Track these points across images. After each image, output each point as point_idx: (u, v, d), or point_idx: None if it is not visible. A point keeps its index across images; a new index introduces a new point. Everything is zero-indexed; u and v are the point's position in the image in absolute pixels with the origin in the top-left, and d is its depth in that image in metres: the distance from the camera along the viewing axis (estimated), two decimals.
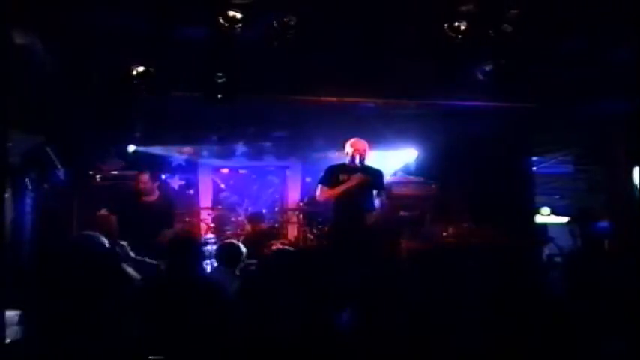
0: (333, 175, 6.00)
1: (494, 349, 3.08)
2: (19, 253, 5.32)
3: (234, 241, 5.90)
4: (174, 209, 7.37)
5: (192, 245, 4.02)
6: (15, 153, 5.22)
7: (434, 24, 5.73)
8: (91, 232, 4.24)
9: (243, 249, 5.42)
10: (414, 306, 3.30)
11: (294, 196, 10.22)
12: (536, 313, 3.28)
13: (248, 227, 8.86)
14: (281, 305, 3.05)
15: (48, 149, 6.00)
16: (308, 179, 9.79)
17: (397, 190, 7.84)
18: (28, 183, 5.64)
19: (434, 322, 3.20)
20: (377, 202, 6.05)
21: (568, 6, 5.47)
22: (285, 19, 5.55)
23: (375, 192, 6.09)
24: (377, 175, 6.07)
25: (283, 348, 2.77)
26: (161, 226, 6.60)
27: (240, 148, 9.70)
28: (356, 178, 5.86)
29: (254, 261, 5.74)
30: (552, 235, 8.07)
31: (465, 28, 5.64)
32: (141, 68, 6.11)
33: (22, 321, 3.64)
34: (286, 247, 5.74)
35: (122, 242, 5.39)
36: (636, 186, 8.02)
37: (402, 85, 7.10)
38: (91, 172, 7.83)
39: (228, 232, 9.02)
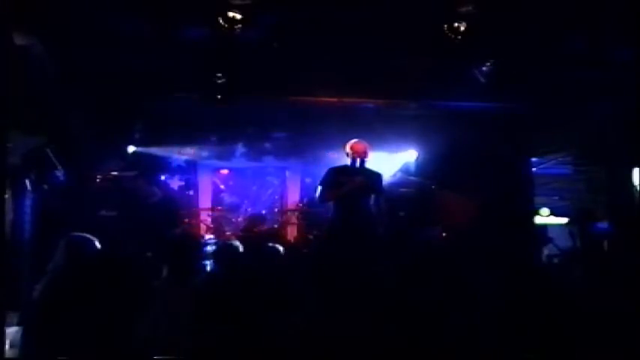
0: (334, 177, 5.99)
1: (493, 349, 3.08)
2: (19, 253, 5.32)
3: (233, 242, 5.87)
4: (177, 209, 7.38)
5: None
6: (15, 153, 5.21)
7: (434, 24, 5.74)
8: (83, 234, 4.20)
9: (242, 250, 5.40)
10: (413, 306, 3.30)
11: (293, 197, 10.21)
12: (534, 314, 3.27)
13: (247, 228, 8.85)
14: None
15: (48, 150, 6.00)
16: (308, 180, 9.79)
17: (397, 191, 7.87)
18: (28, 183, 5.63)
19: (432, 322, 3.20)
20: (375, 205, 6.04)
21: (568, 6, 5.47)
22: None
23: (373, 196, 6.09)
24: (376, 178, 6.06)
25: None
26: (165, 226, 6.61)
27: (240, 148, 9.70)
28: (356, 181, 5.85)
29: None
30: (552, 235, 8.09)
31: (465, 29, 5.64)
32: None
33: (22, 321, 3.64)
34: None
35: None
36: (636, 186, 8.03)
37: (402, 85, 7.11)
38: (90, 173, 7.83)
39: (227, 233, 9.01)
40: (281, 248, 5.30)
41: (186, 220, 8.84)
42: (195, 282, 3.86)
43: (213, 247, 6.88)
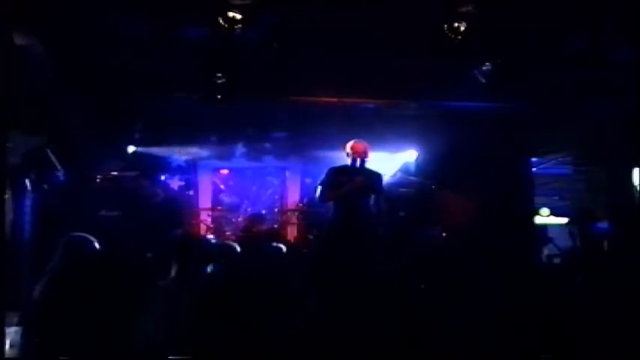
0: (334, 177, 6.00)
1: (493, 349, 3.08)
2: (19, 253, 5.32)
3: (231, 243, 5.87)
4: (180, 209, 7.37)
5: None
6: (15, 153, 5.21)
7: (434, 24, 5.74)
8: (83, 234, 4.20)
9: (239, 250, 5.39)
10: (413, 306, 3.30)
11: (293, 196, 10.21)
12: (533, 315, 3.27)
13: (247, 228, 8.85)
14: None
15: (48, 150, 6.00)
16: (308, 180, 9.78)
17: (397, 191, 7.86)
18: (28, 183, 5.63)
19: (432, 322, 3.20)
20: (375, 205, 6.04)
21: (568, 6, 5.47)
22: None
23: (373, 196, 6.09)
24: (376, 178, 6.06)
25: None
26: (168, 226, 6.60)
27: (240, 148, 9.70)
28: (356, 181, 5.86)
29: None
30: (552, 235, 8.09)
31: (465, 29, 5.65)
32: None
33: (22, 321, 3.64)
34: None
35: None
36: (636, 186, 8.03)
37: (402, 85, 7.11)
38: (90, 173, 7.83)
39: (227, 233, 9.01)
40: (284, 248, 5.31)
41: (187, 220, 8.84)
42: (197, 282, 3.87)
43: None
